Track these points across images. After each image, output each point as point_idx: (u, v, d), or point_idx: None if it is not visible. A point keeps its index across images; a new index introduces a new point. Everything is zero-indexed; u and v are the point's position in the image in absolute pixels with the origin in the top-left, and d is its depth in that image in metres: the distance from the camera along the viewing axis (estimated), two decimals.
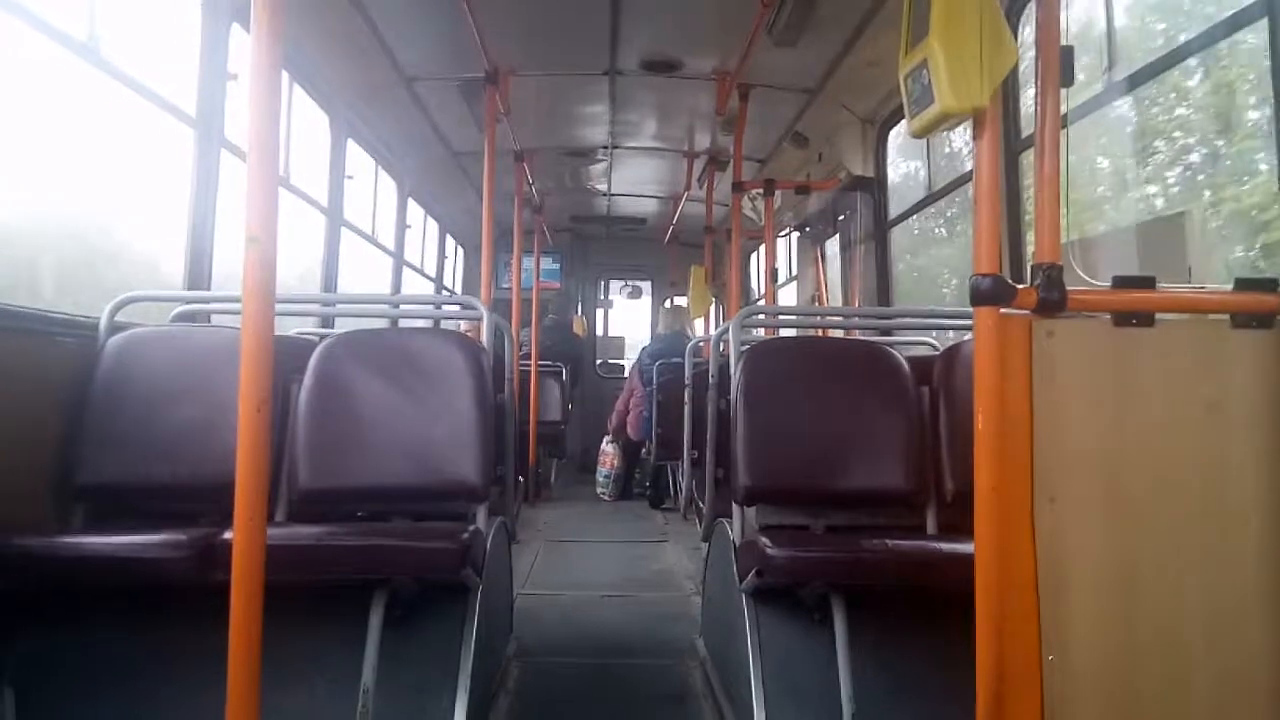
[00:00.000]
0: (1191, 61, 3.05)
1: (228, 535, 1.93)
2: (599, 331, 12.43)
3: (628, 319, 12.75)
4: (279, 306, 2.03)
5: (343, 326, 5.15)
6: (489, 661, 3.29)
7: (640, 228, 10.99)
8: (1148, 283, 1.99)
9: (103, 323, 3.27)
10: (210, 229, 4.04)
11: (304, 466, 3.12)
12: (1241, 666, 1.92)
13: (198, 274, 3.99)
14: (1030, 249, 2.20)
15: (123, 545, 2.59)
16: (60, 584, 2.76)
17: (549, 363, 9.13)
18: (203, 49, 4.02)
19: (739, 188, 6.39)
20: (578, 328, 11.24)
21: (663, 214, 10.07)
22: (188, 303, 3.79)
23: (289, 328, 5.02)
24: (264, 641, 1.92)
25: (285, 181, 4.95)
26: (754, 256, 10.19)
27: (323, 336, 3.70)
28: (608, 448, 9.04)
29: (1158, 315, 1.98)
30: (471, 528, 2.85)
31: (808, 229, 7.86)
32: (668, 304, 10.05)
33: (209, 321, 3.94)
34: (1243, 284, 2.01)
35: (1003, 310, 1.89)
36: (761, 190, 6.62)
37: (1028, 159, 3.82)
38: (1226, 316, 1.99)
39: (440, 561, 2.68)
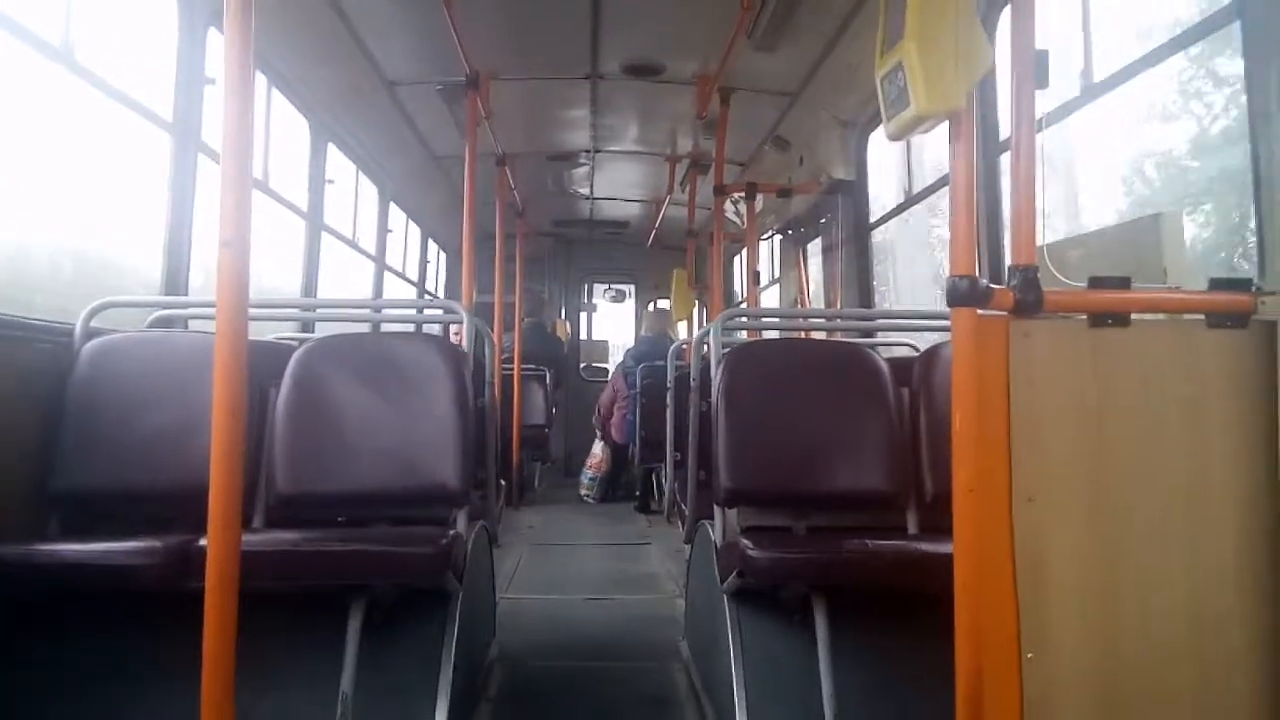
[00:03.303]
0: None
1: (203, 542, 1.92)
2: (583, 335, 12.42)
3: (611, 322, 12.75)
4: (258, 311, 2.02)
5: (324, 331, 5.13)
6: (471, 666, 3.28)
7: (623, 231, 10.99)
8: (1123, 283, 2.01)
9: (78, 328, 3.24)
10: (188, 234, 4.01)
11: (282, 472, 3.10)
12: (1221, 663, 1.93)
13: (174, 279, 3.96)
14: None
15: (98, 552, 2.56)
16: (35, 591, 2.73)
17: (532, 366, 9.11)
18: (179, 53, 3.98)
19: (721, 191, 6.40)
20: (560, 331, 11.23)
21: (645, 217, 10.08)
22: (164, 308, 3.76)
23: (269, 333, 4.99)
24: (241, 648, 1.91)
25: (264, 186, 4.91)
26: (737, 259, 10.21)
27: (302, 341, 3.68)
28: (597, 449, 9.03)
29: (1134, 316, 1.99)
30: (451, 532, 2.83)
31: (790, 232, 7.88)
32: (651, 307, 10.05)
33: (186, 327, 3.91)
34: (1217, 284, 2.04)
35: (980, 312, 1.90)
36: (743, 194, 6.64)
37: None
38: (1202, 316, 2.01)
39: (419, 566, 2.67)
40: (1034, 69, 2.00)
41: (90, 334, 3.26)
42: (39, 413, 3.06)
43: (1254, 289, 2.01)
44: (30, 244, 4.18)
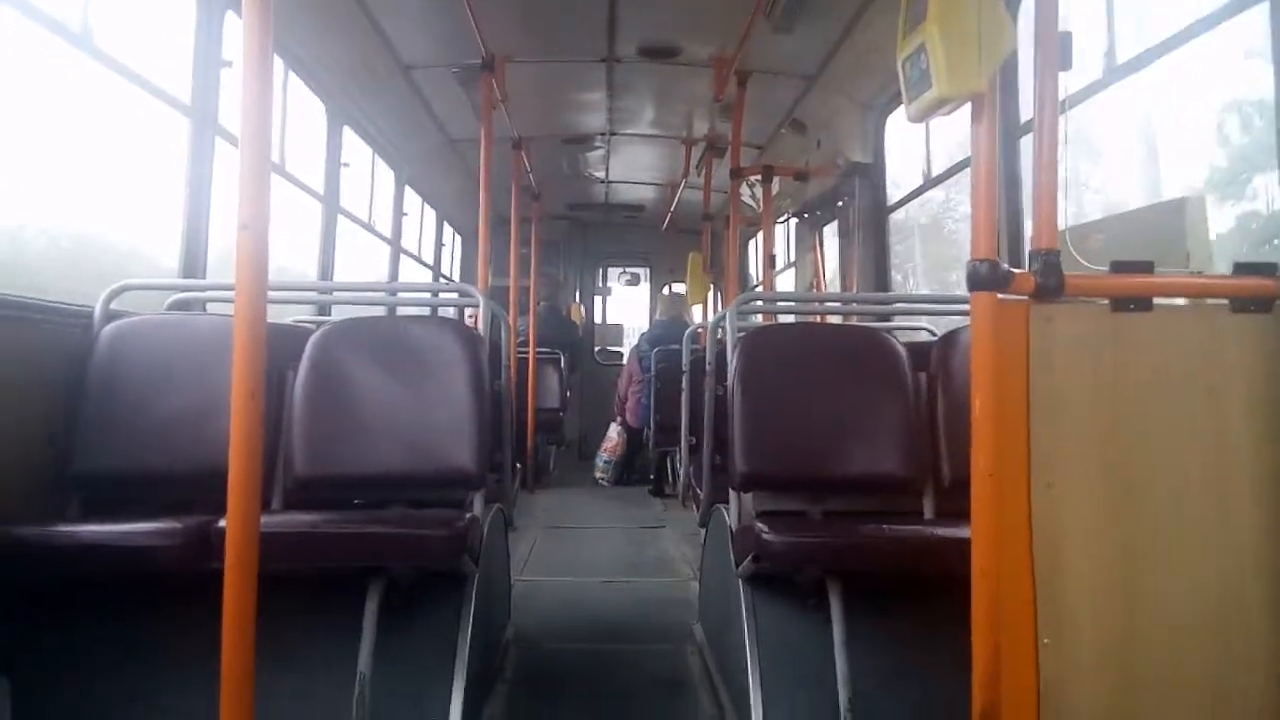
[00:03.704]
0: None
1: (222, 523, 1.93)
2: (597, 319, 12.42)
3: (626, 306, 12.75)
4: (276, 294, 2.02)
5: (340, 315, 5.15)
6: (487, 648, 3.30)
7: (638, 215, 10.97)
8: (1146, 268, 1.99)
9: (97, 311, 3.26)
10: (205, 217, 4.02)
11: (300, 454, 3.12)
12: (1239, 650, 1.92)
13: (193, 262, 3.98)
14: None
15: (118, 533, 2.59)
16: (56, 573, 2.76)
17: (547, 350, 9.13)
18: (197, 37, 3.99)
19: (737, 174, 6.37)
20: (575, 315, 11.23)
21: (661, 201, 10.05)
22: (182, 291, 3.78)
23: (286, 316, 5.01)
24: (260, 629, 1.92)
25: (280, 169, 4.92)
26: (752, 243, 10.18)
27: (319, 324, 3.69)
28: (613, 433, 9.04)
29: (1156, 300, 1.97)
30: (468, 515, 2.85)
31: (806, 215, 7.83)
32: (666, 290, 10.03)
33: (204, 309, 3.93)
34: (1242, 268, 2.01)
35: (1000, 296, 1.89)
36: (760, 177, 6.60)
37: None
38: (1225, 301, 1.98)
39: (436, 549, 2.68)
40: (1057, 51, 1.98)
41: (110, 316, 3.27)
42: (59, 395, 3.08)
43: (1278, 274, 1.99)
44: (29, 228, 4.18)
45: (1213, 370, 1.95)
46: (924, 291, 6.69)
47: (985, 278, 1.86)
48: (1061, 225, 1.98)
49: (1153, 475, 1.93)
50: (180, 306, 3.74)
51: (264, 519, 1.99)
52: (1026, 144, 3.66)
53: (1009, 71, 3.86)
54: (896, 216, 6.12)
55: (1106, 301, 1.97)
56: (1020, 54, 2.03)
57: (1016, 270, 1.90)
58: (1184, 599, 1.92)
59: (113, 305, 3.31)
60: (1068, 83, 2.03)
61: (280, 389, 3.19)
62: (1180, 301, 2.08)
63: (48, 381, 3.07)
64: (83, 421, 3.08)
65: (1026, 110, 3.79)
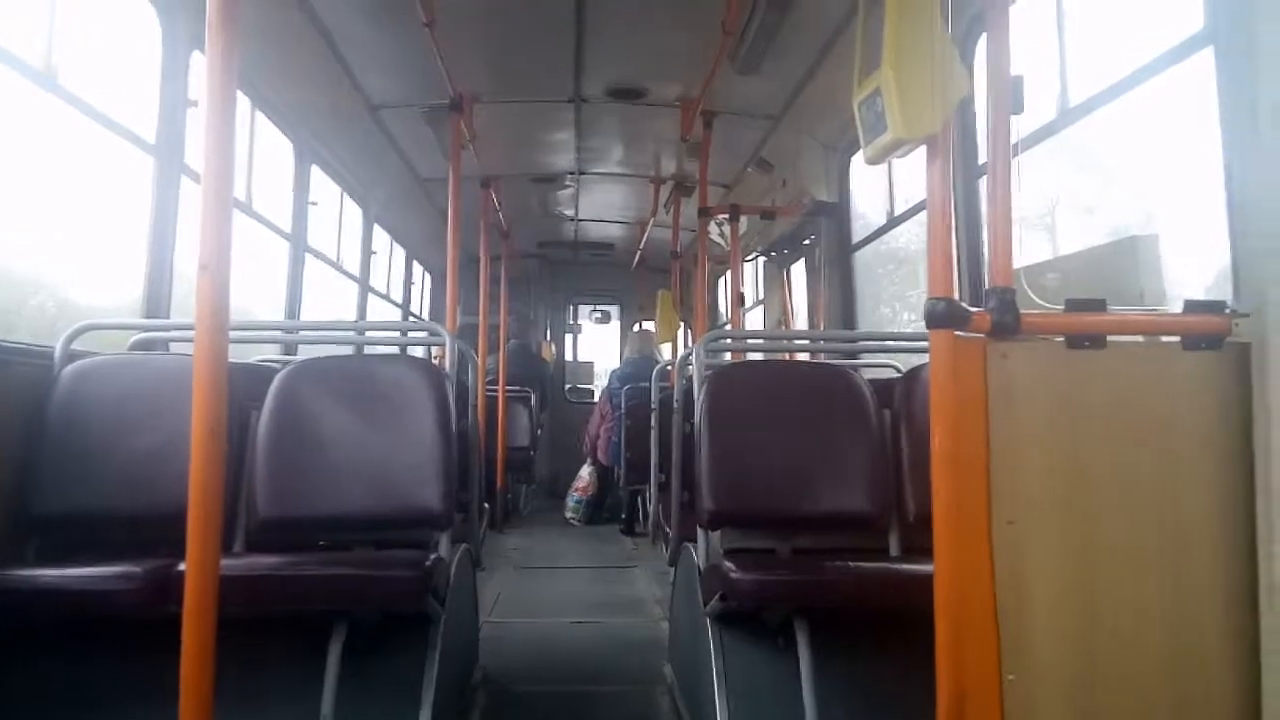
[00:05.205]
0: None
1: (183, 566, 1.90)
2: (568, 357, 12.42)
3: (596, 344, 12.78)
4: (240, 334, 2.01)
5: (307, 354, 5.11)
6: (453, 691, 3.26)
7: (608, 253, 11.02)
8: (1099, 305, 2.03)
9: (58, 351, 3.22)
10: (170, 256, 3.99)
11: (263, 495, 3.08)
12: (1200, 684, 1.94)
13: (156, 301, 3.94)
14: None
15: (76, 577, 2.54)
16: (13, 617, 2.69)
17: (517, 388, 9.10)
18: (163, 76, 3.98)
19: (705, 213, 6.44)
20: (545, 353, 11.23)
21: (630, 239, 10.11)
22: (144, 330, 3.74)
23: (252, 355, 4.97)
24: (221, 674, 1.89)
25: (246, 207, 4.91)
26: (722, 281, 10.25)
27: (285, 364, 3.66)
28: (584, 473, 8.99)
29: (1110, 337, 2.01)
30: (434, 556, 2.82)
31: (774, 254, 7.92)
32: (636, 328, 10.07)
33: (167, 349, 3.89)
34: (1192, 306, 2.05)
35: (958, 333, 1.91)
36: (727, 215, 6.68)
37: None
38: (1177, 338, 2.03)
39: (401, 591, 2.65)
40: (1009, 95, 2.03)
41: (70, 357, 3.23)
42: (18, 436, 3.03)
43: (1228, 311, 2.03)
44: None
45: (1166, 406, 1.99)
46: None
47: (942, 315, 1.89)
48: (1017, 264, 2.02)
49: (1110, 511, 1.95)
50: (143, 346, 3.70)
51: (225, 561, 1.96)
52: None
53: (967, 114, 3.95)
54: (884, 246, 6.18)
55: (1062, 339, 2.00)
56: (977, 97, 2.08)
57: (973, 308, 1.93)
58: (1144, 633, 1.94)
59: (74, 345, 3.27)
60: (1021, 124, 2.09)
61: (244, 429, 3.16)
62: (1135, 339, 2.12)
63: (6, 422, 3.01)
64: (41, 463, 3.02)
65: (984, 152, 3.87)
